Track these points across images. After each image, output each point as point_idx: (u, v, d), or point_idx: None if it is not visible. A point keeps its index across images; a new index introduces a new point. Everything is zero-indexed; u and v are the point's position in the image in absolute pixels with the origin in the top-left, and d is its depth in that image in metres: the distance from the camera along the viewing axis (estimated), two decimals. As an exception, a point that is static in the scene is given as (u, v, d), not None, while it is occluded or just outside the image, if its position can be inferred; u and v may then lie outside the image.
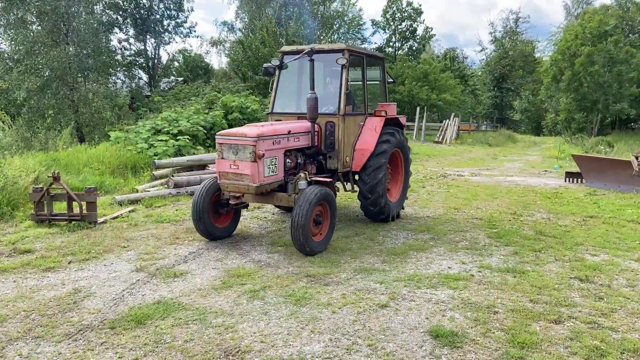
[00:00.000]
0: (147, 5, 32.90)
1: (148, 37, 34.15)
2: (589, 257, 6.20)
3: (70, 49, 21.44)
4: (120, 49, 32.75)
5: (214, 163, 11.02)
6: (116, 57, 29.62)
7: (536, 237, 7.10)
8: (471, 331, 4.08)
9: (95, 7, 25.04)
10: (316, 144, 7.01)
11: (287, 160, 6.60)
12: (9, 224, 7.28)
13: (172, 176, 10.04)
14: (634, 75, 32.01)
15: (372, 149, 7.34)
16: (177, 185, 9.73)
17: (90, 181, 9.71)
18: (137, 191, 9.66)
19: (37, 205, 7.25)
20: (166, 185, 10.02)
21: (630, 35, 36.56)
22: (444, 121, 31.50)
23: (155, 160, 10.43)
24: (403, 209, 8.49)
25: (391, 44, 49.76)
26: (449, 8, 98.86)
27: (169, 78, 37.39)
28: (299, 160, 6.89)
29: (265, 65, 7.49)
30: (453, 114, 33.00)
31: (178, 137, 12.53)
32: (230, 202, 6.48)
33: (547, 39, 55.31)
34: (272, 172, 6.21)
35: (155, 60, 35.81)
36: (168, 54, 46.24)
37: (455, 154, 22.38)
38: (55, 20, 21.42)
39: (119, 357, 3.61)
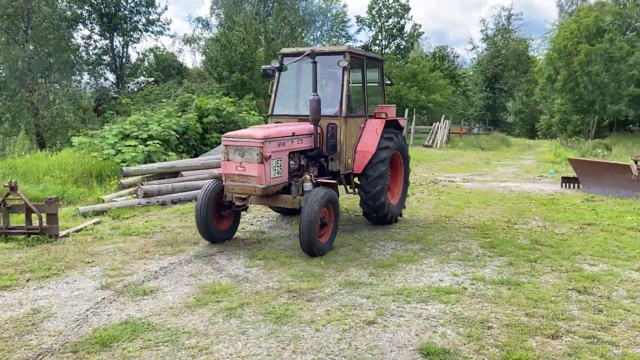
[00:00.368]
0: (114, 0, 32.65)
1: (115, 34, 33.85)
2: (587, 267, 6.29)
3: (30, 46, 21.16)
4: (85, 46, 32.42)
5: (188, 170, 11.09)
6: (80, 56, 29.30)
7: (532, 247, 7.18)
8: (464, 348, 4.09)
9: (57, 1, 24.77)
10: (318, 146, 7.45)
11: (291, 162, 7.04)
12: (-40, 239, 7.12)
13: (142, 185, 9.94)
14: (634, 74, 32.72)
15: (373, 151, 7.80)
16: (147, 195, 9.64)
17: (51, 191, 9.57)
18: (103, 201, 9.55)
19: (-8, 217, 7.11)
20: (135, 195, 9.92)
21: (628, 32, 37.43)
22: (434, 124, 31.81)
23: (123, 168, 10.33)
24: (404, 209, 8.99)
25: (377, 42, 50.18)
26: (438, 4, 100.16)
27: (138, 78, 37.10)
28: (302, 162, 7.36)
29: (264, 67, 7.86)
30: (443, 116, 33.34)
31: (148, 142, 12.44)
32: (236, 203, 6.88)
33: (542, 36, 56.29)
34: (278, 173, 6.66)
35: (124, 59, 35.49)
36: (137, 52, 45.99)
37: (446, 159, 22.59)
38: (14, 16, 21.14)
39: (81, 384, 3.54)
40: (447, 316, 4.70)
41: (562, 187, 13.29)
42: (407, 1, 48.65)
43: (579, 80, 34.21)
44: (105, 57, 34.18)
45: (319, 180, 6.91)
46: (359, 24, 51.07)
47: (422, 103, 36.50)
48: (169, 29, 60.83)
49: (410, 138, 28.89)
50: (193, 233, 7.66)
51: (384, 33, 49.91)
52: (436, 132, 30.12)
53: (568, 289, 5.46)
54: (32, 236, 7.11)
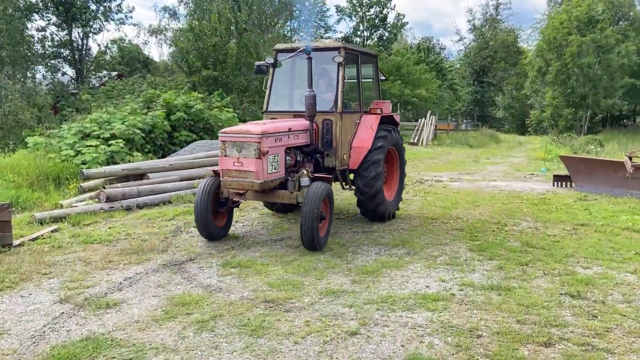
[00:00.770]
0: (72, -12, 32.26)
1: (74, 25, 33.39)
2: (581, 270, 6.39)
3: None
4: (41, 38, 31.91)
5: (155, 171, 10.99)
6: (36, 49, 28.82)
7: (522, 249, 7.28)
8: (452, 359, 4.12)
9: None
10: (314, 141, 7.94)
11: (288, 158, 7.50)
12: None
13: (104, 188, 9.82)
14: (624, 62, 33.42)
15: (368, 147, 8.26)
16: (110, 199, 9.52)
17: (3, 196, 9.41)
18: (62, 207, 9.42)
19: (-62, 226, 6.95)
20: (97, 199, 9.79)
21: (620, 22, 38.24)
22: (420, 120, 32.07)
23: (83, 170, 10.22)
24: (398, 209, 9.42)
25: (359, 33, 50.47)
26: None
27: (100, 73, 36.65)
28: (298, 158, 7.81)
29: (257, 63, 8.39)
30: (429, 111, 33.64)
31: (110, 142, 12.32)
32: (233, 199, 7.36)
33: (531, 26, 57.16)
34: (275, 169, 7.11)
35: (84, 52, 35.04)
36: (99, 44, 45.44)
37: (433, 157, 22.78)
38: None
39: (38, 407, 3.48)
40: (434, 325, 4.73)
41: (553, 185, 13.49)
42: (390, -11, 49.03)
43: (570, 73, 34.83)
44: (63, 50, 33.71)
45: (315, 175, 7.44)
46: (338, 13, 51.31)
47: (406, 98, 36.79)
48: (131, 17, 60.28)
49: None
50: (161, 240, 7.59)
51: (365, 23, 50.17)
52: (422, 129, 30.35)
53: (561, 294, 5.54)
54: (-18, 246, 6.96)
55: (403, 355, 4.18)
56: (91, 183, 10.41)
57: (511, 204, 10.89)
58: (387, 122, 8.86)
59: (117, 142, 12.27)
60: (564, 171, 13.89)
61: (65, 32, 33.70)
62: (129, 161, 12.01)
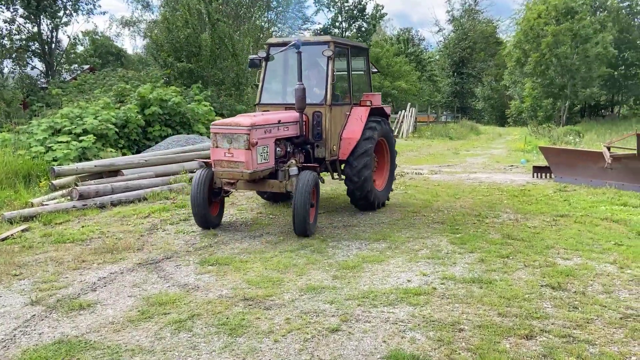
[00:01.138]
0: (39, -22, 31.58)
1: (43, 17, 32.74)
2: (561, 261, 6.48)
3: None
4: (8, 31, 31.22)
5: (130, 167, 10.86)
6: (2, 42, 28.23)
7: (503, 241, 7.36)
8: (434, 353, 4.14)
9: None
10: (304, 133, 8.31)
11: (278, 148, 7.87)
12: None
13: (77, 185, 9.68)
14: (600, 51, 33.95)
15: (358, 138, 8.68)
16: (82, 197, 9.38)
17: (-29, 195, 9.19)
18: (32, 205, 9.25)
19: None
20: (69, 197, 9.65)
21: (598, 13, 38.80)
22: (400, 112, 32.20)
23: (54, 167, 10.05)
24: (388, 199, 9.86)
25: (337, 24, 50.38)
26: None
27: (71, 66, 36.07)
28: (288, 149, 8.21)
29: (251, 57, 8.82)
30: (409, 103, 33.80)
31: (82, 138, 12.13)
32: (225, 188, 7.80)
33: (510, 17, 57.82)
34: (264, 159, 7.50)
35: (53, 45, 34.40)
36: (69, 37, 44.64)
37: (413, 150, 22.92)
38: None
39: (9, 414, 3.41)
40: (416, 319, 4.75)
41: (533, 177, 13.68)
42: (368, -20, 49.03)
43: (548, 64, 35.30)
44: (31, 44, 33.08)
45: (303, 165, 7.86)
46: (316, 4, 51.15)
47: (386, 90, 36.90)
48: (99, 6, 59.34)
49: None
50: (136, 238, 7.50)
51: (344, 15, 50.10)
52: (402, 121, 30.50)
53: (542, 285, 5.61)
54: (-51, 247, 6.82)
55: (385, 351, 4.19)
56: (63, 180, 10.24)
57: (491, 196, 11.00)
58: (377, 113, 9.29)
59: (89, 138, 12.09)
60: (543, 162, 14.07)
61: (34, 24, 33.04)
62: (102, 157, 11.85)
